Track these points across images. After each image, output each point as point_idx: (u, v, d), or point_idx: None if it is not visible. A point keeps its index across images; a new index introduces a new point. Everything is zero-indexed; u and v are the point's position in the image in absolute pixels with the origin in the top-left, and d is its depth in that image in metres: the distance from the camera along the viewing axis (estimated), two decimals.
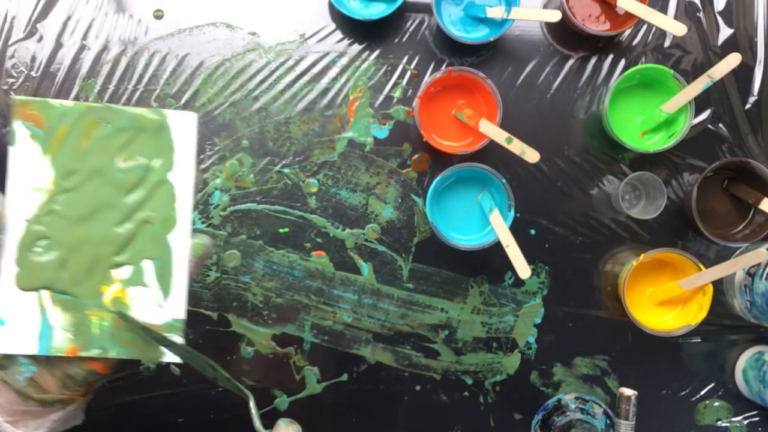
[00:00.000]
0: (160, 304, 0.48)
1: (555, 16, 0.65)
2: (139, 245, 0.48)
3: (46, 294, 0.47)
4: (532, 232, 0.70)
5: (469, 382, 0.70)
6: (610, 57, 0.71)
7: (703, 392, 0.71)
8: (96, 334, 0.47)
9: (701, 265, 0.64)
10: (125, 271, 0.48)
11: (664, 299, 0.67)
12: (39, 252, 0.47)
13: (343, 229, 0.70)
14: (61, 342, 0.47)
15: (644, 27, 0.71)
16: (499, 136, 0.64)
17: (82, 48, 0.70)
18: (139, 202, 0.48)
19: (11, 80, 0.69)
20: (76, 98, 0.69)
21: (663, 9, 0.71)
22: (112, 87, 0.70)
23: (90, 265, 0.47)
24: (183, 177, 0.48)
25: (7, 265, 0.47)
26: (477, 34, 0.69)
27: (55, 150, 0.47)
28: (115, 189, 0.48)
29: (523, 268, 0.64)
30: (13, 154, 0.47)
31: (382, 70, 0.70)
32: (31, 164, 0.47)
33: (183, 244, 0.48)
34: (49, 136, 0.47)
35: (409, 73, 0.71)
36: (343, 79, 0.70)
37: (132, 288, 0.48)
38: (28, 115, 0.47)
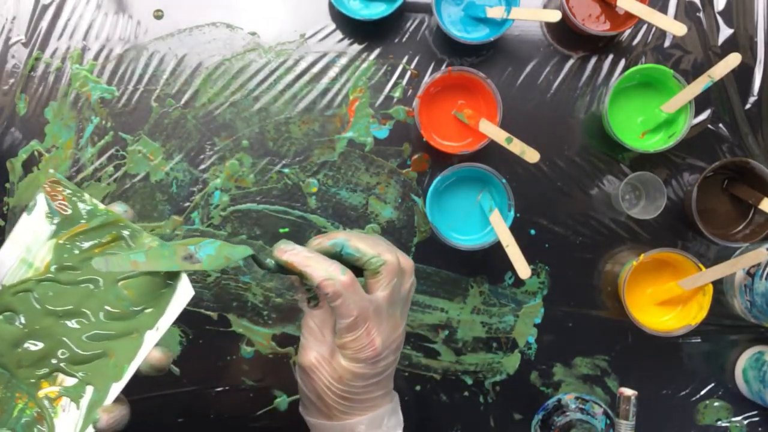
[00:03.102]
0: None
1: (555, 16, 0.65)
2: (93, 370, 0.46)
3: None
4: (532, 232, 0.70)
5: (469, 382, 0.70)
6: (610, 57, 0.71)
7: (703, 392, 0.71)
8: (13, 417, 0.46)
9: (701, 265, 0.64)
10: (70, 382, 0.46)
11: (664, 299, 0.67)
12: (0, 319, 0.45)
13: (344, 229, 0.70)
14: None
15: (644, 27, 0.71)
16: (499, 136, 0.64)
17: (83, 48, 0.70)
18: (112, 335, 0.46)
19: (12, 81, 0.70)
20: (76, 98, 0.69)
21: (663, 9, 0.71)
22: (112, 87, 0.70)
23: (42, 356, 0.45)
24: (152, 340, 0.45)
25: None
26: (477, 34, 0.69)
27: (64, 241, 0.46)
28: (100, 306, 0.46)
29: (523, 268, 0.64)
30: (24, 222, 0.46)
31: (382, 70, 0.70)
32: (35, 240, 0.46)
33: (112, 396, 0.45)
34: (65, 225, 0.46)
35: (409, 73, 0.71)
36: (343, 79, 0.70)
37: (66, 400, 0.46)
38: (54, 195, 0.46)
